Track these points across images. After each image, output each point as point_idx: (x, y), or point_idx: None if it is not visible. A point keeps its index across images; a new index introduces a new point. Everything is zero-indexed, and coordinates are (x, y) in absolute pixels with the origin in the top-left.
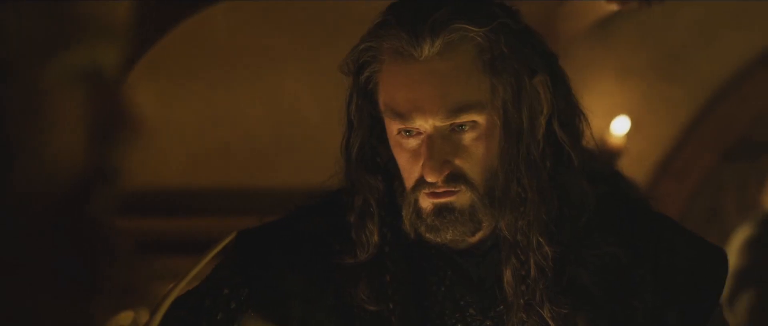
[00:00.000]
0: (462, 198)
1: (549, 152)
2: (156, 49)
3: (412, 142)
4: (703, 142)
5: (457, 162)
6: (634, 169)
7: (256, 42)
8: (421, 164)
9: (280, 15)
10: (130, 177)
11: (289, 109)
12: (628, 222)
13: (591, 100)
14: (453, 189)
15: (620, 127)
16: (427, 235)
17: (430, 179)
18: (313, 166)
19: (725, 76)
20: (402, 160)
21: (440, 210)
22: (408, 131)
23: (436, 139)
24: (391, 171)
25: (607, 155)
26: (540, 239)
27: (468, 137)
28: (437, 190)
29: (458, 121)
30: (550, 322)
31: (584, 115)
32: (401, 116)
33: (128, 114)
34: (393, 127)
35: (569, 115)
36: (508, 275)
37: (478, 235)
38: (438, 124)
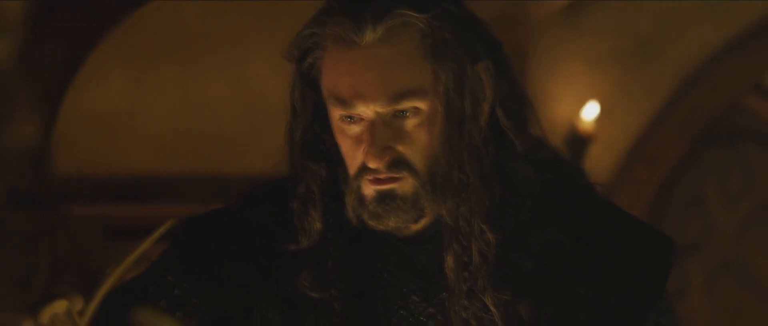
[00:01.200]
0: (404, 185)
1: (492, 138)
2: (124, 34)
3: (355, 129)
4: (673, 129)
5: (400, 148)
6: (604, 156)
7: (226, 27)
8: (363, 150)
9: (250, 1)
10: (91, 164)
11: (258, 94)
12: (573, 208)
13: (561, 86)
14: (395, 175)
15: (590, 113)
16: (370, 222)
17: (371, 165)
18: (282, 152)
19: (695, 63)
20: (344, 146)
21: (383, 198)
22: (350, 117)
23: (378, 125)
24: (334, 158)
25: (574, 141)
26: (482, 225)
27: (410, 123)
28: (380, 176)
29: (400, 107)
30: (493, 309)
31: (530, 102)
32: (343, 102)
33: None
34: (335, 113)
35: (513, 101)
36: (450, 261)
37: (422, 222)
38: (380, 110)
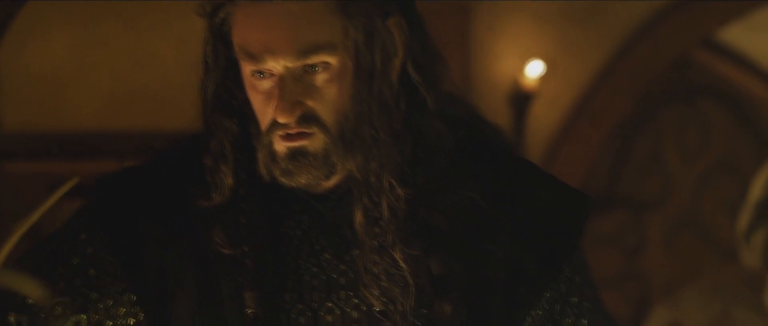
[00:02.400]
0: (315, 142)
1: (403, 95)
2: None
3: (265, 84)
4: (617, 86)
5: (310, 103)
6: (549, 112)
7: None
8: (273, 106)
9: None
10: (36, 121)
11: (201, 51)
12: (487, 166)
13: (504, 42)
14: (306, 130)
15: (534, 70)
16: (282, 179)
17: (281, 120)
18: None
19: (641, 18)
20: (256, 102)
21: (294, 155)
22: (260, 73)
23: (288, 80)
24: (247, 115)
25: (517, 98)
26: (392, 181)
27: (320, 78)
28: (290, 132)
29: (309, 61)
30: (402, 264)
31: (443, 58)
32: (253, 57)
33: None
34: (246, 68)
35: (425, 58)
36: (359, 216)
37: (334, 179)
38: (289, 65)
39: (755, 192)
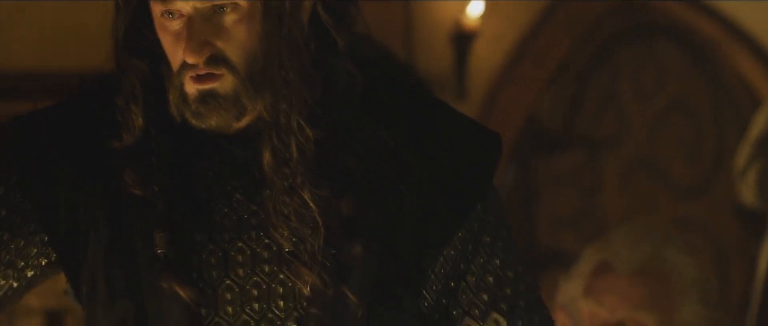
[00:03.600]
0: (225, 83)
1: (313, 36)
2: None
3: (175, 25)
4: (560, 25)
5: (219, 44)
6: (491, 52)
7: None
8: (182, 46)
9: None
10: None
11: None
12: (399, 107)
13: None
14: (214, 71)
15: (475, 9)
16: (193, 121)
17: (190, 61)
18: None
19: None
20: (166, 43)
21: (204, 97)
22: (170, 13)
23: (197, 20)
24: (158, 55)
25: (459, 38)
26: (301, 122)
27: (229, 19)
28: (199, 72)
29: (218, 2)
30: (312, 204)
31: (355, 0)
32: None
33: None
34: (156, 8)
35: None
36: (268, 157)
37: (244, 120)
38: (198, 5)
39: (755, 128)
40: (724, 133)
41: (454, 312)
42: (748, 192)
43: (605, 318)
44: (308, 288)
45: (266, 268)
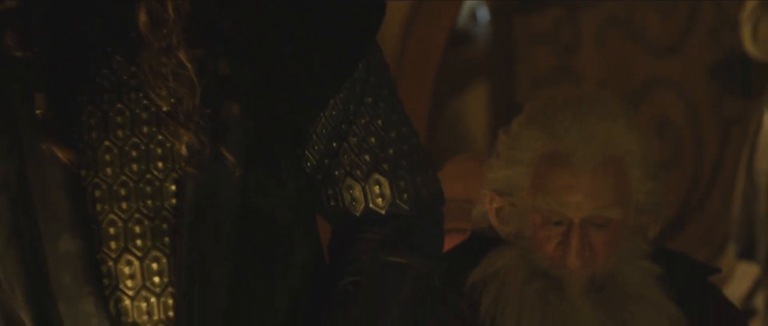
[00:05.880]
0: None
1: None
2: None
3: None
4: None
5: None
6: None
7: None
8: None
9: None
10: None
11: None
12: None
13: None
14: None
15: None
16: None
17: None
18: None
19: None
20: None
21: None
22: None
23: None
24: None
25: None
26: None
27: None
28: None
29: None
30: (188, 64)
31: None
32: None
33: None
34: None
35: None
36: (144, 17)
37: None
38: None
39: None
40: None
41: (336, 173)
42: (749, 44)
43: (565, 217)
44: (185, 148)
45: (145, 129)
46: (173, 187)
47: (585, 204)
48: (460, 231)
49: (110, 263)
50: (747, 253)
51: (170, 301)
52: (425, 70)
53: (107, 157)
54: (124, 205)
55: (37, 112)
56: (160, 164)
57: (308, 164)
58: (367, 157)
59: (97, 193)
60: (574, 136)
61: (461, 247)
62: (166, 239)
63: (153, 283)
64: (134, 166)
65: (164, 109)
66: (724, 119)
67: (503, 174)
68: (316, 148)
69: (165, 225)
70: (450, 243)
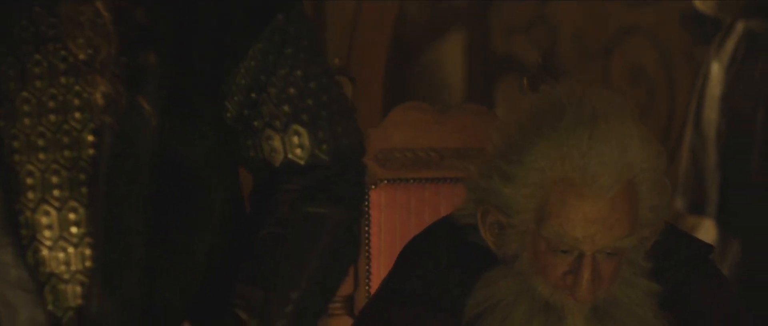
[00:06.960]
0: None
1: None
2: None
3: None
4: None
5: None
6: None
7: None
8: None
9: None
10: None
11: None
12: None
13: None
14: None
15: None
16: None
17: None
18: None
19: None
20: None
21: None
22: None
23: None
24: None
25: None
26: None
27: None
28: None
29: None
30: (105, 13)
31: None
32: None
33: None
34: None
35: None
36: None
37: None
38: None
39: None
40: None
41: (256, 124)
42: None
43: (577, 248)
44: (101, 97)
45: (62, 80)
46: (91, 137)
47: (600, 237)
48: (403, 180)
49: (28, 213)
50: (696, 207)
51: (88, 251)
52: (381, 23)
53: (25, 108)
54: (41, 156)
55: None
56: (77, 115)
57: (228, 115)
58: (286, 108)
59: (15, 144)
60: (593, 162)
61: (446, 243)
62: (84, 189)
63: (70, 234)
64: (52, 117)
65: (81, 57)
66: (697, 68)
67: (503, 192)
68: (236, 98)
69: (83, 176)
70: (391, 191)
